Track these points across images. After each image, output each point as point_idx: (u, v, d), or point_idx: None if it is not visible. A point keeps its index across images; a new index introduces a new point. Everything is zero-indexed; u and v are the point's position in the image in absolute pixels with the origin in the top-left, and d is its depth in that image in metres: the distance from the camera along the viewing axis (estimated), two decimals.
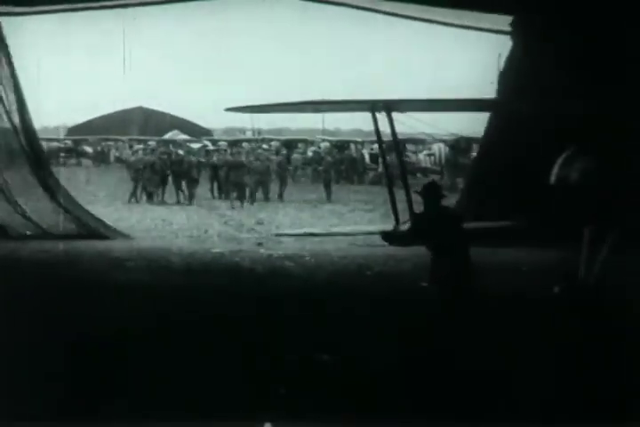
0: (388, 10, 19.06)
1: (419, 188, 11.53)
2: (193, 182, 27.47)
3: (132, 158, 29.50)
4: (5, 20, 16.17)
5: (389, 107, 12.21)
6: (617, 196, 12.02)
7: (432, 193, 11.36)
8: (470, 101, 13.42)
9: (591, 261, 12.71)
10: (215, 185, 28.30)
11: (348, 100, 13.02)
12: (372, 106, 12.26)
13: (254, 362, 10.64)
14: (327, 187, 28.08)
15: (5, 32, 17.34)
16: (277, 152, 33.09)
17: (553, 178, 12.69)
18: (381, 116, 12.43)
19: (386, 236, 11.62)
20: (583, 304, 12.61)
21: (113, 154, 38.48)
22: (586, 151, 12.58)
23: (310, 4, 18.81)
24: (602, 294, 12.57)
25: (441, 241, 11.06)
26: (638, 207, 11.89)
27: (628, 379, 9.99)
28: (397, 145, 12.86)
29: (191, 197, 27.11)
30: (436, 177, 31.45)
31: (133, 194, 27.28)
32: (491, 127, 19.45)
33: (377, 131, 12.57)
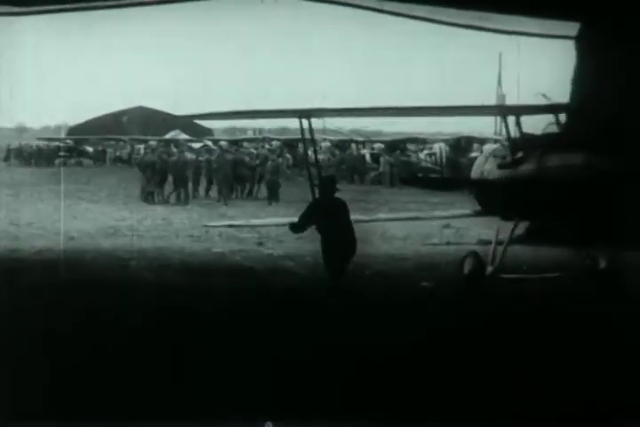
0: (393, 10, 19.02)
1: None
2: (187, 182, 27.56)
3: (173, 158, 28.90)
4: (5, 20, 16.18)
5: (311, 114, 13.92)
6: (517, 190, 13.72)
7: (327, 185, 13.05)
8: (384, 109, 15.12)
9: (496, 249, 14.21)
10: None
11: (279, 109, 14.80)
12: (300, 114, 13.89)
13: (254, 361, 10.64)
14: None
15: (5, 32, 17.38)
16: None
17: (472, 174, 15.11)
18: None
19: (290, 226, 13.13)
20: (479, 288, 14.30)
21: (114, 153, 38.53)
22: (494, 153, 14.88)
23: (311, 3, 18.79)
24: (494, 279, 14.20)
25: (329, 226, 12.82)
26: (537, 202, 13.46)
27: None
28: (314, 145, 14.67)
29: (187, 197, 27.20)
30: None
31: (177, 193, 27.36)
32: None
33: (302, 133, 14.12)
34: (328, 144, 34.80)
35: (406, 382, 10.02)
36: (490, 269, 14.25)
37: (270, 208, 25.57)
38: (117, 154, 38.33)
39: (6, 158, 36.82)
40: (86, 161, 38.13)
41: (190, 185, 28.04)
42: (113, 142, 38.59)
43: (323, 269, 17.26)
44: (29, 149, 37.45)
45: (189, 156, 29.52)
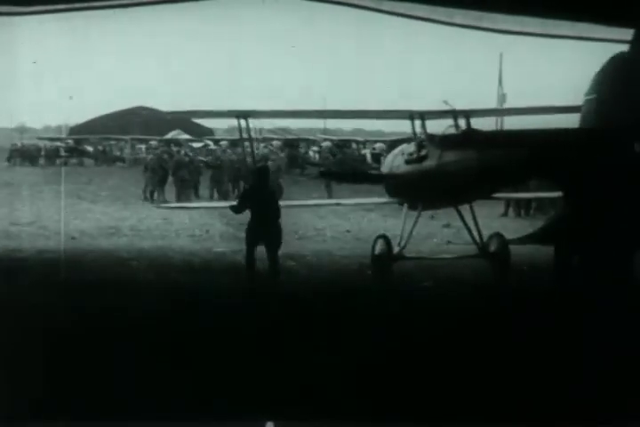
0: (394, 10, 18.98)
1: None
2: (185, 182, 27.56)
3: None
4: (5, 20, 16.18)
5: (248, 115, 16.16)
6: (421, 182, 16.09)
7: (260, 175, 15.46)
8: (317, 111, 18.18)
9: (403, 232, 16.28)
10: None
11: (218, 110, 16.98)
12: (237, 114, 16.09)
13: (255, 361, 10.64)
14: (328, 186, 28.02)
15: (5, 32, 17.39)
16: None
17: (383, 169, 17.82)
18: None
19: (231, 207, 15.62)
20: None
21: (115, 153, 38.53)
22: (402, 151, 17.30)
23: (312, 3, 18.76)
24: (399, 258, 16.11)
25: (260, 209, 15.13)
26: (437, 192, 15.83)
27: None
28: (252, 143, 17.09)
29: (185, 197, 27.21)
30: None
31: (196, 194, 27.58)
32: None
33: (240, 132, 16.54)
34: (329, 144, 34.78)
35: (407, 382, 10.02)
36: (397, 249, 16.12)
37: None
38: (118, 154, 38.33)
39: (9, 158, 36.83)
40: (87, 161, 38.12)
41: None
42: (113, 142, 38.58)
43: (323, 269, 17.35)
44: (30, 148, 37.46)
45: (190, 155, 29.52)
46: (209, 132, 40.25)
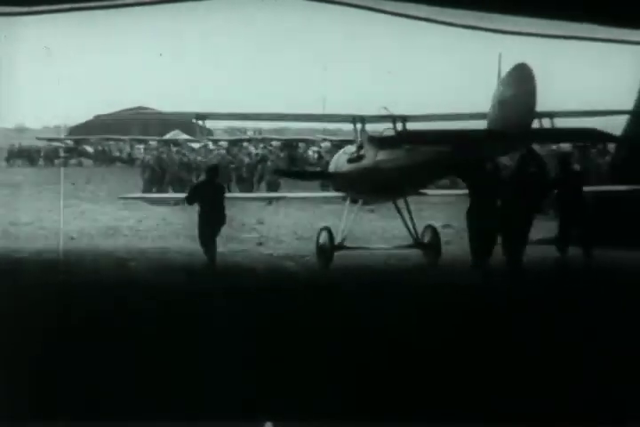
0: (394, 10, 18.97)
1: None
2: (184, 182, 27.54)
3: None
4: (5, 20, 16.19)
5: (205, 117, 17.40)
6: (360, 179, 17.68)
7: (211, 173, 17.40)
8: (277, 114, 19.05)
9: (345, 224, 17.94)
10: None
11: (179, 111, 18.93)
12: (196, 116, 17.47)
13: (254, 362, 10.64)
14: (324, 186, 27.96)
15: (4, 31, 17.40)
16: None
17: (330, 168, 19.32)
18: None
19: (184, 199, 17.14)
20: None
21: (114, 153, 38.50)
22: (345, 151, 18.90)
23: (314, 3, 18.74)
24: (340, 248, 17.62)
25: (208, 203, 16.53)
26: (374, 187, 17.46)
27: None
28: (206, 144, 19.40)
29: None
30: None
31: None
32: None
33: (201, 132, 18.24)
34: (328, 144, 34.77)
35: (407, 382, 10.01)
36: (339, 240, 17.66)
37: (270, 208, 25.56)
38: (117, 154, 38.31)
39: (7, 159, 36.82)
40: (86, 161, 38.10)
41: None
42: (113, 142, 38.54)
43: (323, 269, 17.37)
44: (30, 149, 37.45)
45: (189, 155, 29.49)
46: (208, 132, 40.16)
